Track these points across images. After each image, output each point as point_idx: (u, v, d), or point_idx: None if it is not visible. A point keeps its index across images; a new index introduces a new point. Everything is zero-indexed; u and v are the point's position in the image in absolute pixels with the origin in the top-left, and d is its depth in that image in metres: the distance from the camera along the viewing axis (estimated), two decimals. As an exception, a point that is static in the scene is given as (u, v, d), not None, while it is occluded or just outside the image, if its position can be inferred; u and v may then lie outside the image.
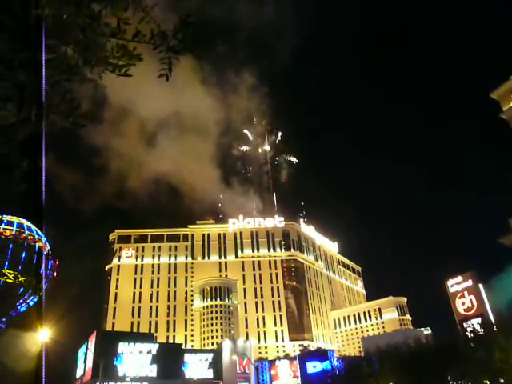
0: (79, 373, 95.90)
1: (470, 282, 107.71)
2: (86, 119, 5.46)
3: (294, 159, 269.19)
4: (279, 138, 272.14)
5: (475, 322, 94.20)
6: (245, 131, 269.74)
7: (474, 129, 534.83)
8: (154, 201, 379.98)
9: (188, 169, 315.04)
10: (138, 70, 5.43)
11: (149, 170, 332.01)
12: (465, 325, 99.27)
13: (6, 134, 5.20)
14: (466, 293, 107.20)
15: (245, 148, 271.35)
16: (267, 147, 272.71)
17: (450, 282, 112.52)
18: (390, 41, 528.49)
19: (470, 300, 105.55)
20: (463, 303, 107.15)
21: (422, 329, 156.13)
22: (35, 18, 4.59)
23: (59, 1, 4.70)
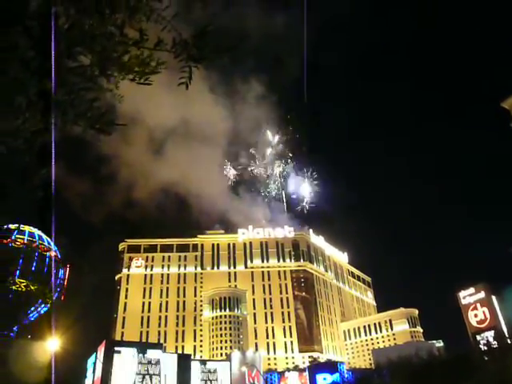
0: (88, 382, 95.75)
1: (482, 294, 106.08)
2: (112, 126, 5.52)
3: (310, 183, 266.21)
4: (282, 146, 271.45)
5: (488, 335, 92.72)
6: (251, 151, 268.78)
7: (484, 139, 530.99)
8: (162, 210, 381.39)
9: (196, 178, 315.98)
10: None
11: (156, 180, 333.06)
12: (478, 337, 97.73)
13: (29, 140, 5.25)
14: (478, 305, 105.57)
15: (252, 168, 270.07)
16: (277, 162, 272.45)
17: (462, 294, 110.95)
18: (399, 54, 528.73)
19: (483, 312, 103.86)
20: (476, 315, 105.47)
21: (434, 341, 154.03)
22: (56, 26, 4.66)
23: (83, 10, 4.78)
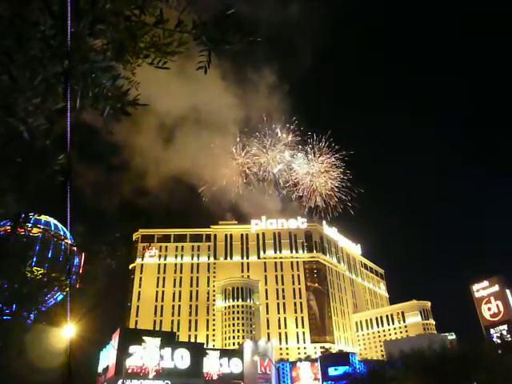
0: (102, 369, 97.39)
1: (496, 287, 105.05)
2: (134, 106, 5.43)
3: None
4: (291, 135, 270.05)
5: (502, 328, 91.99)
6: (262, 140, 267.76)
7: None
8: (173, 199, 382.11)
9: (206, 167, 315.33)
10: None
11: (167, 169, 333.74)
12: (492, 331, 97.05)
13: (50, 121, 5.20)
14: (492, 298, 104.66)
15: (262, 158, 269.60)
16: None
17: (475, 287, 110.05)
18: (411, 49, 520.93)
19: (497, 305, 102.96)
20: (489, 309, 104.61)
21: (447, 334, 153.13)
22: (78, 3, 4.65)
23: None
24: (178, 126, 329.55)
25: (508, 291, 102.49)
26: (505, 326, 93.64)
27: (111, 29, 5.00)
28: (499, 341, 75.92)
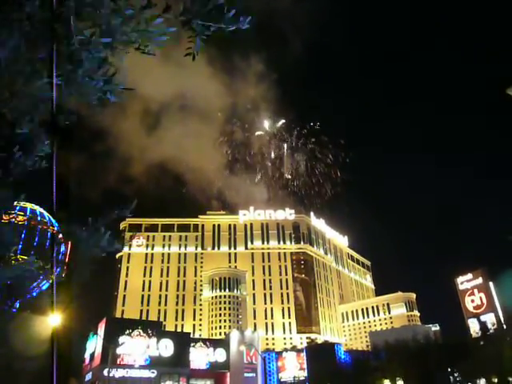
0: (88, 358, 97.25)
1: (480, 280, 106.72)
2: (121, 90, 5.34)
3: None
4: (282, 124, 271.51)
5: (485, 320, 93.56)
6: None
7: (486, 122, 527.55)
8: (159, 187, 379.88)
9: (192, 153, 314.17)
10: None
11: (153, 156, 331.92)
12: (474, 322, 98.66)
13: (35, 104, 5.11)
14: (475, 290, 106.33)
15: (258, 134, 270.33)
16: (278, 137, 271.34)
17: (459, 280, 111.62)
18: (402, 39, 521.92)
19: (480, 298, 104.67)
20: (473, 301, 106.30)
21: (431, 325, 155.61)
22: None
23: None
24: (163, 113, 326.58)
25: (491, 283, 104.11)
26: (487, 317, 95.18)
27: (98, 11, 4.90)
28: (481, 332, 77.33)
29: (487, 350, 62.32)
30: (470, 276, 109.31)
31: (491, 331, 73.87)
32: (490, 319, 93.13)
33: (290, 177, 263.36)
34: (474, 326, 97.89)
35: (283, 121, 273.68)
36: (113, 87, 5.23)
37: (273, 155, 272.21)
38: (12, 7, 4.64)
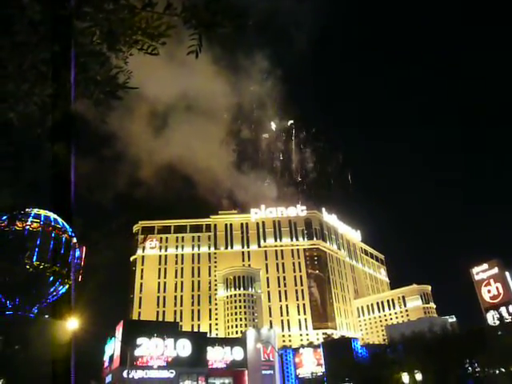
0: (107, 361, 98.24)
1: (495, 270, 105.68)
2: (124, 89, 5.35)
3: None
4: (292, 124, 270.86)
5: (502, 310, 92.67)
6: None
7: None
8: (168, 188, 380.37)
9: (200, 155, 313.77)
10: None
11: (160, 157, 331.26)
12: (491, 312, 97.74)
13: (41, 108, 5.12)
14: (491, 280, 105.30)
15: (266, 135, 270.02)
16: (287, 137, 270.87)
17: (475, 270, 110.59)
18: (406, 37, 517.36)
19: (496, 288, 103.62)
20: (489, 291, 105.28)
21: (447, 317, 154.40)
22: None
23: None
24: (169, 114, 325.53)
25: (507, 273, 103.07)
26: (505, 307, 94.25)
27: (99, 12, 4.90)
28: (499, 322, 76.65)
29: (505, 339, 61.84)
30: (485, 266, 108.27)
31: (508, 321, 73.23)
32: (507, 309, 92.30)
33: (299, 174, 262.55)
34: (491, 316, 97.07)
35: (291, 121, 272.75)
36: (116, 87, 5.25)
37: (281, 153, 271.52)
38: (14, 10, 4.66)
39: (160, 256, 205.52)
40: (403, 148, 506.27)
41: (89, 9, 4.88)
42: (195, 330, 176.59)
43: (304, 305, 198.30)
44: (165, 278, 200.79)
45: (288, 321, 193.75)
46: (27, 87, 4.97)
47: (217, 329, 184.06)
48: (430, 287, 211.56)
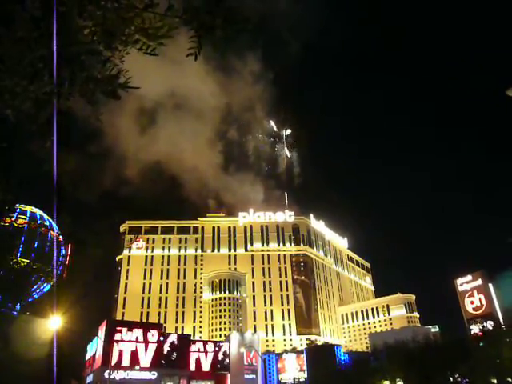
0: (89, 360, 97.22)
1: (479, 282, 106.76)
2: (125, 89, 5.39)
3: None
4: (287, 131, 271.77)
5: (484, 321, 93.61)
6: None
7: (482, 129, 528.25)
8: (155, 188, 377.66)
9: (188, 155, 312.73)
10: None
11: (148, 157, 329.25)
12: (473, 323, 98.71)
13: (37, 105, 5.10)
14: (475, 292, 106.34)
15: (254, 137, 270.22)
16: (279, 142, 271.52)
17: (459, 281, 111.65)
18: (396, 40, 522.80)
19: (479, 299, 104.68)
20: (472, 302, 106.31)
21: (430, 326, 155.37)
22: None
23: None
24: (157, 112, 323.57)
25: (491, 285, 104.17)
26: (486, 318, 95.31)
27: (100, 10, 4.89)
28: (480, 333, 77.38)
29: (486, 350, 62.43)
30: (469, 277, 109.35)
31: (490, 332, 73.95)
32: (489, 320, 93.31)
33: (286, 178, 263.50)
34: (473, 328, 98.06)
35: (280, 125, 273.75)
36: (118, 87, 5.24)
37: (269, 156, 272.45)
38: (13, 7, 4.66)
39: (146, 256, 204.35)
40: (391, 156, 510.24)
41: (91, 7, 4.89)
42: (179, 331, 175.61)
43: (289, 310, 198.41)
44: (150, 278, 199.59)
45: (272, 325, 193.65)
46: (25, 83, 4.97)
47: (201, 331, 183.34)
48: (414, 296, 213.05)
